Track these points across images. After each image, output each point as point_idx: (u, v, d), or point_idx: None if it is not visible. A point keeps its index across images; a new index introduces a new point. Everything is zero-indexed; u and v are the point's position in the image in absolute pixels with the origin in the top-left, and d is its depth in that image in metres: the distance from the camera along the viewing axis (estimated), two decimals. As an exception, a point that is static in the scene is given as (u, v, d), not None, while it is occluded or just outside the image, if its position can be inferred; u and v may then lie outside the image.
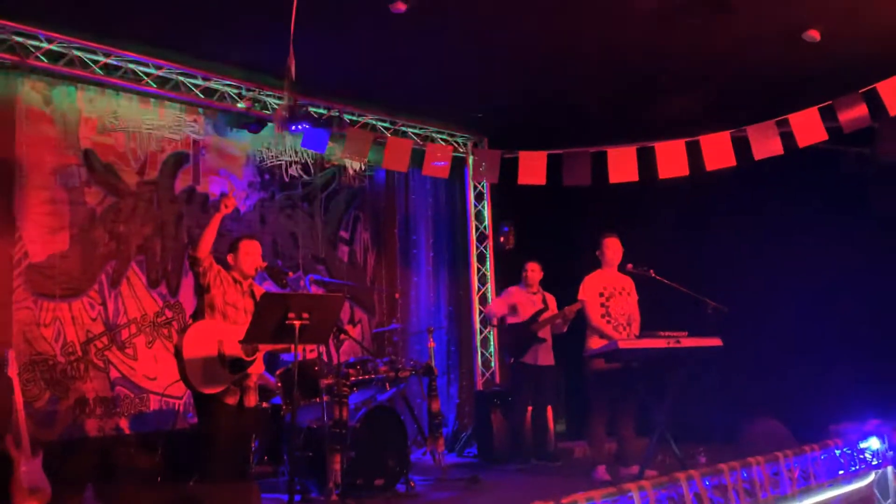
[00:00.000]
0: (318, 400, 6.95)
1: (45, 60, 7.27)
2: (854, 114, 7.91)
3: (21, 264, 7.18)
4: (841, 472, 6.03)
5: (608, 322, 7.49)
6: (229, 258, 6.15)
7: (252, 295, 6.12)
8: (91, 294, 7.59)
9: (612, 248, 7.68)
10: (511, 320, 8.75)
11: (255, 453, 6.95)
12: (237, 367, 5.84)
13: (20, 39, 7.09)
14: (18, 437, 6.41)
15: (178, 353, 5.74)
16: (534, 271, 8.80)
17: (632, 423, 7.54)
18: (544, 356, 8.62)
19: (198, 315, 5.93)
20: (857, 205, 8.64)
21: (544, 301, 8.74)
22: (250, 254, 6.16)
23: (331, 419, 6.67)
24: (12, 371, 6.55)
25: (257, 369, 6.08)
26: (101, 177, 7.75)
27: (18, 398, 6.53)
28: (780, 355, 8.63)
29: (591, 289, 7.63)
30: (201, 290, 5.92)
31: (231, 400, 5.87)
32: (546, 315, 8.54)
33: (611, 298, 7.58)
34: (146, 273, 7.97)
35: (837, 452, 6.10)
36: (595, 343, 7.47)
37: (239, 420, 5.95)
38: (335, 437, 6.58)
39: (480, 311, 10.68)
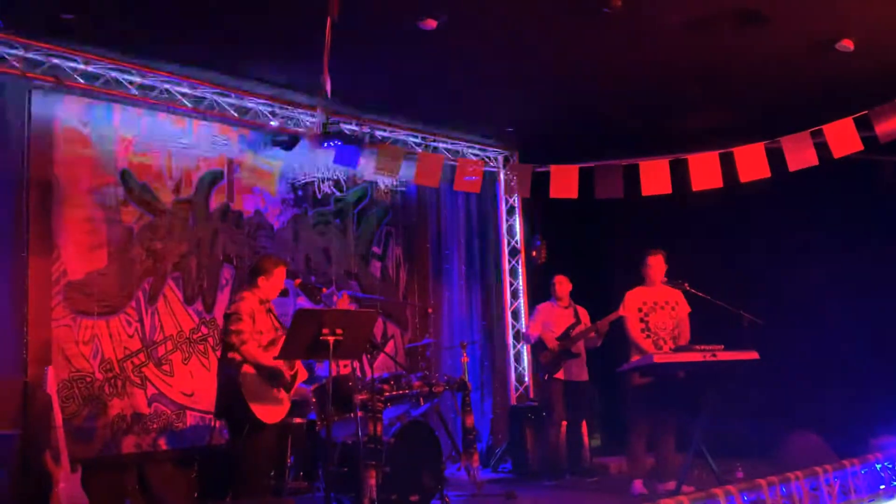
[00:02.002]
0: (352, 415, 6.97)
1: (82, 81, 7.38)
2: (890, 124, 7.82)
3: (60, 282, 7.27)
4: (882, 486, 5.94)
5: (647, 336, 7.47)
6: (260, 280, 6.22)
7: (271, 311, 6.29)
8: (128, 311, 7.66)
9: (656, 266, 7.66)
10: (545, 336, 8.71)
11: (291, 469, 6.98)
12: (292, 383, 5.99)
13: (58, 61, 7.20)
14: (57, 453, 6.50)
15: (235, 388, 5.82)
16: (561, 284, 8.77)
17: (672, 438, 7.48)
18: (578, 371, 8.58)
19: (230, 348, 6.00)
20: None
21: (576, 315, 8.69)
22: (281, 280, 6.31)
23: (365, 435, 6.68)
24: (51, 388, 6.65)
25: (303, 376, 6.20)
26: (137, 195, 7.84)
27: (57, 415, 6.62)
28: (818, 369, 8.53)
29: (631, 304, 7.62)
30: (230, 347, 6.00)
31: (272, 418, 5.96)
32: (579, 329, 8.50)
33: (650, 313, 7.56)
34: (182, 290, 8.05)
35: (878, 467, 6.01)
36: (637, 358, 7.45)
37: (276, 436, 6.04)
38: (370, 453, 6.59)
39: (513, 326, 10.66)
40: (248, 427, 5.87)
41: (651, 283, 7.68)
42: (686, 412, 7.09)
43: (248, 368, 5.87)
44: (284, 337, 6.15)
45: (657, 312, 7.58)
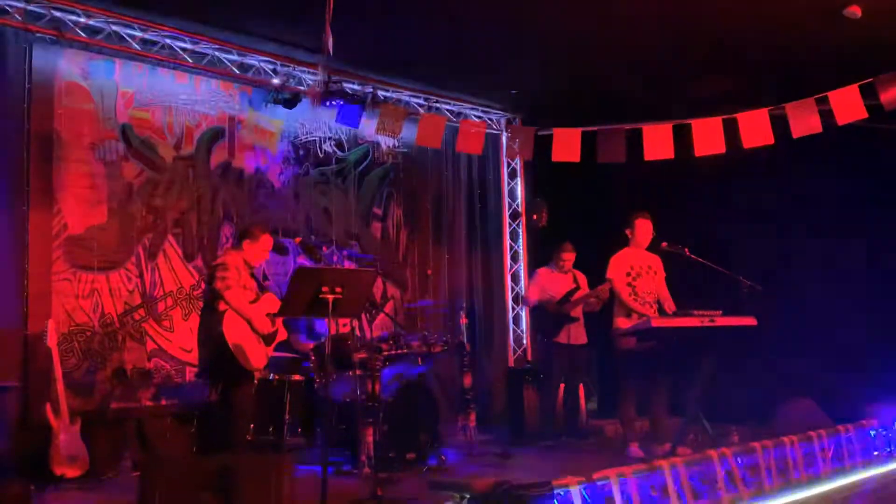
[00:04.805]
0: (350, 374, 7.02)
1: (84, 35, 7.33)
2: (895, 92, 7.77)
3: (60, 236, 7.27)
4: (875, 452, 6.00)
5: (635, 300, 7.49)
6: (245, 243, 6.27)
7: (252, 275, 6.36)
8: (128, 266, 7.68)
9: (643, 229, 7.67)
10: (545, 300, 8.71)
11: (289, 426, 7.04)
12: (271, 339, 6.04)
13: (59, 14, 7.14)
14: (57, 406, 6.56)
15: (219, 337, 5.86)
16: (569, 260, 8.73)
17: (665, 401, 7.54)
18: (577, 335, 8.60)
19: (212, 297, 6.04)
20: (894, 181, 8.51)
21: (575, 280, 8.70)
22: (266, 250, 6.36)
23: (363, 393, 6.73)
24: (51, 341, 6.69)
25: (283, 336, 6.28)
26: (137, 151, 7.82)
27: (57, 368, 6.66)
28: (815, 335, 8.55)
29: (618, 268, 7.63)
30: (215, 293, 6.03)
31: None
32: (579, 294, 8.52)
33: (637, 278, 7.58)
34: (182, 246, 8.05)
35: (872, 433, 6.06)
36: (623, 322, 7.47)
37: (260, 389, 6.20)
38: (368, 411, 6.64)
39: (513, 289, 10.68)
40: (232, 379, 5.98)
41: (637, 245, 7.69)
42: (679, 376, 7.13)
43: (231, 316, 5.92)
44: (265, 296, 6.26)
45: (643, 277, 7.61)
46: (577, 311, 8.56)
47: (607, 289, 7.86)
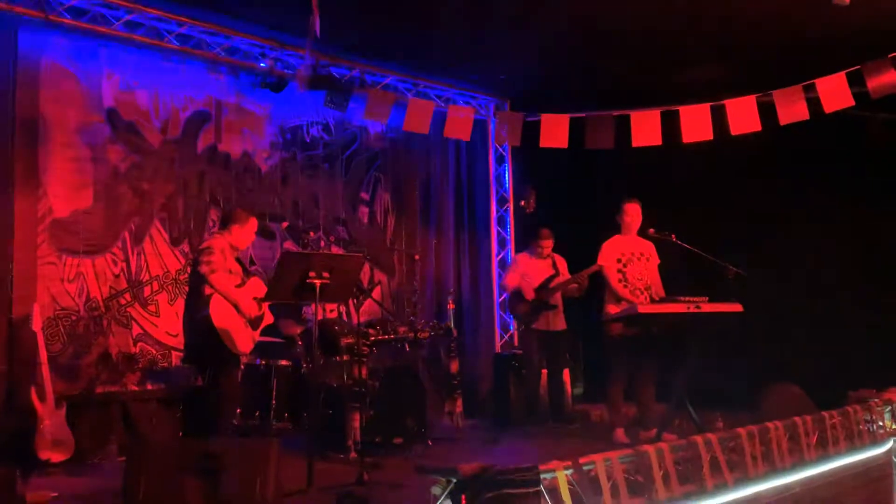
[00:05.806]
0: (338, 359, 7.01)
1: (69, 17, 7.27)
2: (882, 79, 7.79)
3: (45, 220, 7.23)
4: (860, 439, 6.02)
5: (625, 286, 7.50)
6: (233, 228, 6.23)
7: (238, 259, 6.32)
8: (114, 251, 7.64)
9: (632, 214, 7.67)
10: (524, 287, 8.70)
11: (275, 410, 7.04)
12: (257, 323, 6.02)
13: (44, -5, 7.08)
14: (42, 390, 6.53)
15: (205, 322, 5.83)
16: (548, 246, 8.71)
17: (651, 387, 7.57)
18: (555, 322, 8.60)
19: (198, 281, 6.02)
20: (883, 170, 8.53)
21: (554, 265, 8.67)
22: (252, 232, 6.34)
23: (350, 378, 6.73)
24: (36, 325, 6.66)
25: (269, 320, 6.26)
26: (123, 134, 7.77)
27: (42, 352, 6.64)
28: (800, 321, 8.59)
29: (609, 254, 7.64)
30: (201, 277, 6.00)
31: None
32: (558, 280, 8.51)
33: (628, 264, 7.59)
34: (169, 231, 8.02)
35: (856, 419, 6.08)
36: (613, 308, 7.49)
37: (247, 374, 6.18)
38: (355, 396, 6.65)
39: (500, 275, 10.68)
40: (218, 364, 5.96)
41: (627, 231, 7.70)
42: (666, 362, 7.15)
43: (217, 300, 5.89)
44: (251, 280, 6.23)
45: (634, 263, 7.62)
46: (556, 299, 8.55)
47: (586, 274, 7.87)
